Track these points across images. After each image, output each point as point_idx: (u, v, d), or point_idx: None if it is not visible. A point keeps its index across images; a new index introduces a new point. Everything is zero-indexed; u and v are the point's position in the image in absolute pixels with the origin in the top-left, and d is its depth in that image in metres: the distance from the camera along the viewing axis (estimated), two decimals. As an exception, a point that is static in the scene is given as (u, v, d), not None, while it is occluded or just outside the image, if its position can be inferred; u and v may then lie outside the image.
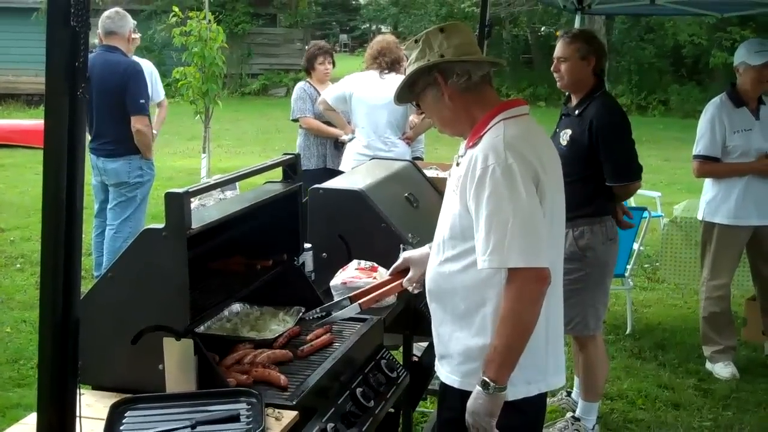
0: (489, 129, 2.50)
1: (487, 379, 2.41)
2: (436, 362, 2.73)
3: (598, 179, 4.20)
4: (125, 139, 5.93)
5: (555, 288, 2.55)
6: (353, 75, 6.36)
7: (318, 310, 2.89)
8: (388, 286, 2.95)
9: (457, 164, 2.61)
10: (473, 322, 2.53)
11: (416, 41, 2.58)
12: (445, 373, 2.65)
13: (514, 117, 2.54)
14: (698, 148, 5.30)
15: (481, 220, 2.40)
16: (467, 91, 2.54)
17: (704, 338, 5.50)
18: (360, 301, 2.87)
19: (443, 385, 2.69)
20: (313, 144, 6.69)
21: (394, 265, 2.97)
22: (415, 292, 3.07)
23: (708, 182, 5.43)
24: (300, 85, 6.91)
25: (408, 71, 2.59)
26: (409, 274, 2.89)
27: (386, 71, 6.13)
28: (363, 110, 6.10)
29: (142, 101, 5.91)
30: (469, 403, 2.46)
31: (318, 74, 6.85)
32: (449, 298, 2.59)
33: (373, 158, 5.13)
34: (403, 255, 2.96)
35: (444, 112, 2.59)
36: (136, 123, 5.88)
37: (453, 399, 2.63)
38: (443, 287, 2.60)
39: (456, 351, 2.59)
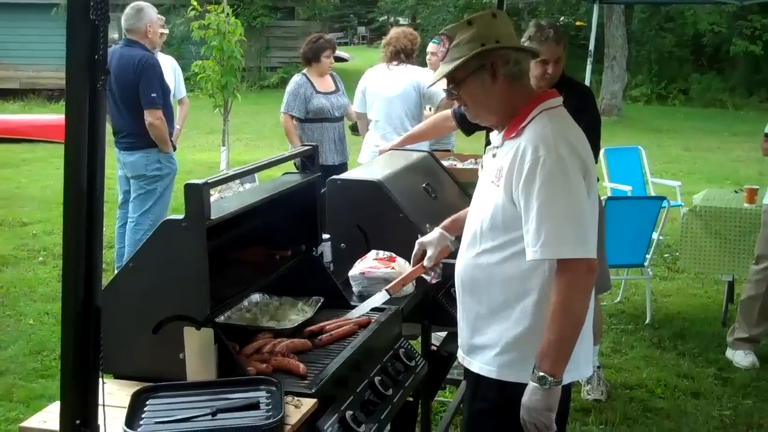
0: (532, 120, 2.47)
1: (543, 374, 2.37)
2: (462, 354, 2.72)
3: None
4: (143, 133, 6.00)
5: None
6: (366, 72, 6.47)
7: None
8: (412, 269, 2.98)
9: (494, 155, 2.58)
10: (512, 313, 2.52)
11: (469, 23, 2.50)
12: (479, 364, 2.63)
13: (553, 108, 2.52)
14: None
15: (531, 211, 2.37)
16: (515, 80, 2.51)
17: (735, 321, 5.47)
18: (387, 287, 2.89)
19: (476, 376, 2.66)
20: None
21: (413, 253, 2.99)
22: (433, 281, 3.08)
23: None
24: (297, 79, 6.76)
25: (457, 51, 2.49)
26: (428, 254, 2.91)
27: (394, 62, 6.21)
28: (377, 103, 6.20)
29: (153, 95, 5.94)
30: (525, 399, 2.42)
31: (322, 67, 6.74)
32: (486, 290, 2.56)
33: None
34: (418, 242, 2.98)
35: (489, 100, 2.52)
36: (148, 116, 5.94)
37: (488, 389, 2.61)
38: (479, 279, 2.58)
39: (493, 342, 2.57)
